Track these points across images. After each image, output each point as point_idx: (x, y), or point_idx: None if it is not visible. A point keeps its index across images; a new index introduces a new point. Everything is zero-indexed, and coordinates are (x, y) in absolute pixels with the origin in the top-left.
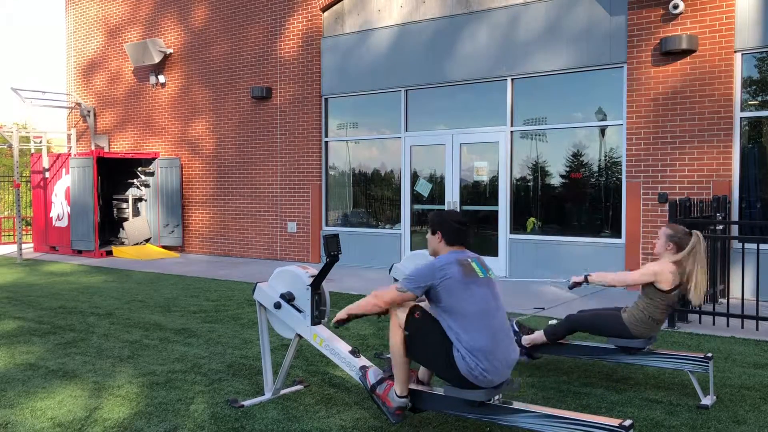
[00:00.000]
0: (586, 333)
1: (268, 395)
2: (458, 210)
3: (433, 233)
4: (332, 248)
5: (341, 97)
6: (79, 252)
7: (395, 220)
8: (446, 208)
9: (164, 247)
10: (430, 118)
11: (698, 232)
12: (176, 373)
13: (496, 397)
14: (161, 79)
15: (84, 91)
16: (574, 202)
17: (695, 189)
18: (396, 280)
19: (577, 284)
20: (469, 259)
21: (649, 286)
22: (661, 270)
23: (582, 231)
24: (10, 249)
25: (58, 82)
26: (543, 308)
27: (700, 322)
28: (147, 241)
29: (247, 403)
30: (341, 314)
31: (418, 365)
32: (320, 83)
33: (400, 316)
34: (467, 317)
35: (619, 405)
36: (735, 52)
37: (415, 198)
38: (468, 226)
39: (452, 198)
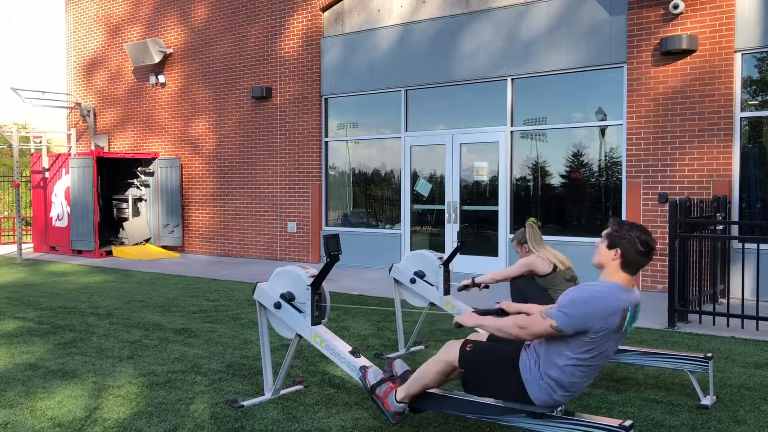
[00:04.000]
0: None
1: (268, 395)
2: (462, 209)
3: (610, 247)
4: (332, 248)
5: (341, 97)
6: (79, 252)
7: (395, 220)
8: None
9: (164, 247)
10: (430, 118)
11: (529, 222)
12: (176, 373)
13: (558, 409)
14: (161, 78)
15: (84, 91)
16: (575, 202)
17: (695, 189)
18: (396, 280)
19: (466, 287)
20: (628, 309)
21: (542, 280)
22: (532, 261)
23: (582, 231)
24: (10, 249)
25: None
26: None
27: (700, 322)
28: (147, 241)
29: (247, 403)
30: (469, 322)
31: (415, 366)
32: (320, 83)
33: (451, 349)
34: (584, 364)
35: (619, 405)
36: (735, 52)
37: (415, 198)
38: (654, 251)
39: (452, 198)
